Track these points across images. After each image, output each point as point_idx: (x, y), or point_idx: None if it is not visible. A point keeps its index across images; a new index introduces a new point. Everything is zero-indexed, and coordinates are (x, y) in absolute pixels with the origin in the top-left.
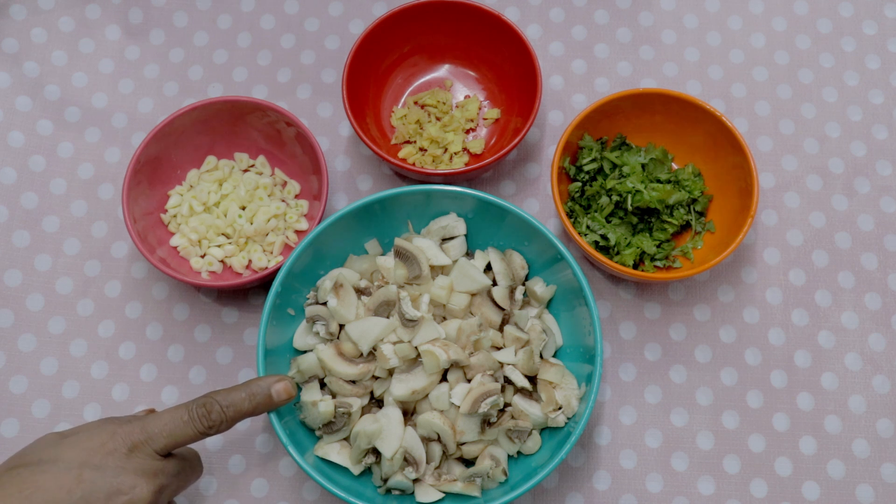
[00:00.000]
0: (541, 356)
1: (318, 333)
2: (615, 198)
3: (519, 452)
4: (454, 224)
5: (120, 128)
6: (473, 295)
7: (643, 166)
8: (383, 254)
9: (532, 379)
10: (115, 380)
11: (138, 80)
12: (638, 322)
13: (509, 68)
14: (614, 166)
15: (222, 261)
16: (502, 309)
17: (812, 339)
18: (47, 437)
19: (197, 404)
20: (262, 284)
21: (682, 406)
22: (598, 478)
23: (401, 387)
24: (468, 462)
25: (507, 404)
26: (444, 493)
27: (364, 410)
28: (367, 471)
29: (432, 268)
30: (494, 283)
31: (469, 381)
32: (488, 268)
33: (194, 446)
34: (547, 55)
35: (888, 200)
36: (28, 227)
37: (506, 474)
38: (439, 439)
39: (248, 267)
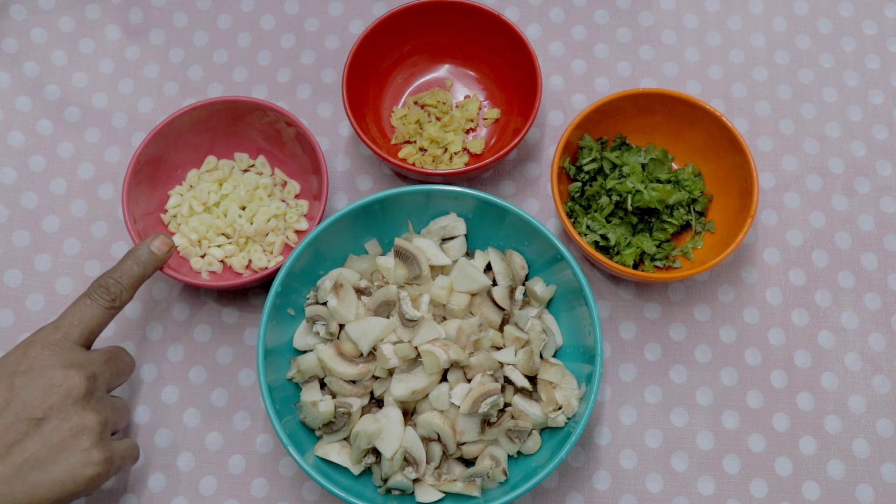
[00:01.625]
0: (541, 356)
1: (318, 333)
2: (615, 198)
3: (519, 452)
4: (454, 224)
5: (120, 128)
6: (473, 295)
7: (643, 166)
8: (383, 254)
9: (532, 379)
10: None
11: (138, 80)
12: (638, 322)
13: (509, 68)
14: (614, 166)
15: (222, 261)
16: (502, 309)
17: (812, 339)
18: None
19: (92, 287)
20: (262, 284)
21: (682, 406)
22: (598, 478)
23: (401, 387)
24: (468, 462)
25: (507, 404)
26: (444, 493)
27: (364, 410)
28: (367, 471)
29: (432, 268)
30: (494, 283)
31: (469, 381)
32: (488, 268)
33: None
34: (547, 55)
35: (888, 200)
36: (28, 227)
37: (506, 474)
38: (439, 439)
39: (248, 267)
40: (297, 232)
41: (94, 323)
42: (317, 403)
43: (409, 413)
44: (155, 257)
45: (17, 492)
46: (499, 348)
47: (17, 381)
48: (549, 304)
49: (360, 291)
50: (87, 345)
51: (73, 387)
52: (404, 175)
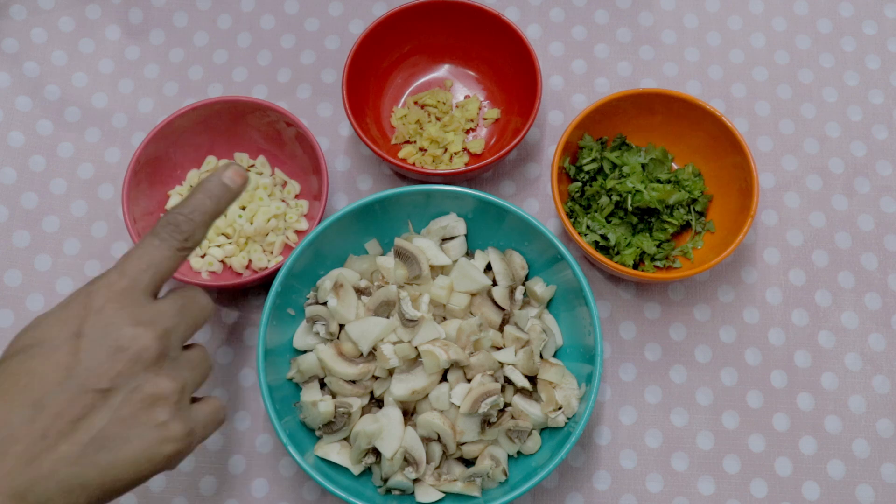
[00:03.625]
0: (541, 356)
1: (318, 333)
2: (615, 198)
3: (519, 452)
4: (454, 224)
5: (120, 128)
6: (473, 295)
7: (643, 166)
8: (383, 254)
9: (532, 379)
10: None
11: (138, 80)
12: (638, 322)
13: (509, 68)
14: (614, 166)
15: (222, 261)
16: (502, 309)
17: (812, 339)
18: (24, 328)
19: (160, 226)
20: (262, 284)
21: (682, 406)
22: (598, 478)
23: (401, 387)
24: (468, 462)
25: (507, 404)
26: (444, 493)
27: (364, 410)
28: (367, 471)
29: (432, 268)
30: (494, 283)
31: (469, 381)
32: (488, 268)
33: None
34: (547, 55)
35: (888, 200)
36: (28, 227)
37: (506, 474)
38: (439, 439)
39: (248, 267)
40: (297, 232)
41: (163, 268)
42: (317, 403)
43: (409, 413)
44: (228, 190)
45: (85, 474)
46: (499, 348)
47: (81, 343)
48: (549, 304)
49: (360, 291)
50: (155, 293)
51: (143, 349)
52: (404, 175)
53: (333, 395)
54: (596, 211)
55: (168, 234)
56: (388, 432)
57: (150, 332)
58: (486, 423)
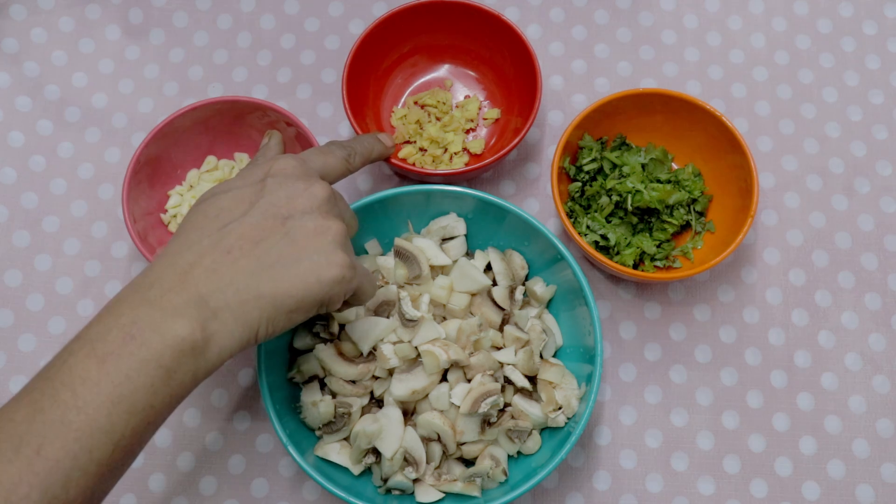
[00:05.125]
0: (541, 356)
1: (318, 333)
2: (615, 198)
3: (519, 452)
4: (454, 224)
5: (120, 128)
6: (473, 295)
7: (643, 166)
8: (383, 254)
9: (532, 379)
10: None
11: (138, 80)
12: (638, 322)
13: (509, 68)
14: (614, 166)
15: None
16: (502, 309)
17: (812, 339)
18: (212, 188)
19: (327, 144)
20: None
21: (682, 406)
22: (598, 478)
23: (401, 387)
24: (468, 462)
25: (507, 404)
26: (444, 493)
27: (364, 410)
28: (367, 471)
29: (432, 268)
30: (494, 283)
31: (469, 381)
32: (488, 268)
33: None
34: (547, 55)
35: (888, 200)
36: (28, 227)
37: (506, 474)
38: (439, 439)
39: None
40: None
41: (328, 168)
42: (317, 403)
43: (409, 413)
44: (382, 146)
45: (260, 284)
46: (499, 348)
47: (265, 185)
48: (549, 304)
49: None
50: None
51: (318, 191)
52: (404, 175)
53: (333, 395)
54: (596, 211)
55: (336, 146)
56: (388, 432)
57: (323, 183)
58: (486, 423)
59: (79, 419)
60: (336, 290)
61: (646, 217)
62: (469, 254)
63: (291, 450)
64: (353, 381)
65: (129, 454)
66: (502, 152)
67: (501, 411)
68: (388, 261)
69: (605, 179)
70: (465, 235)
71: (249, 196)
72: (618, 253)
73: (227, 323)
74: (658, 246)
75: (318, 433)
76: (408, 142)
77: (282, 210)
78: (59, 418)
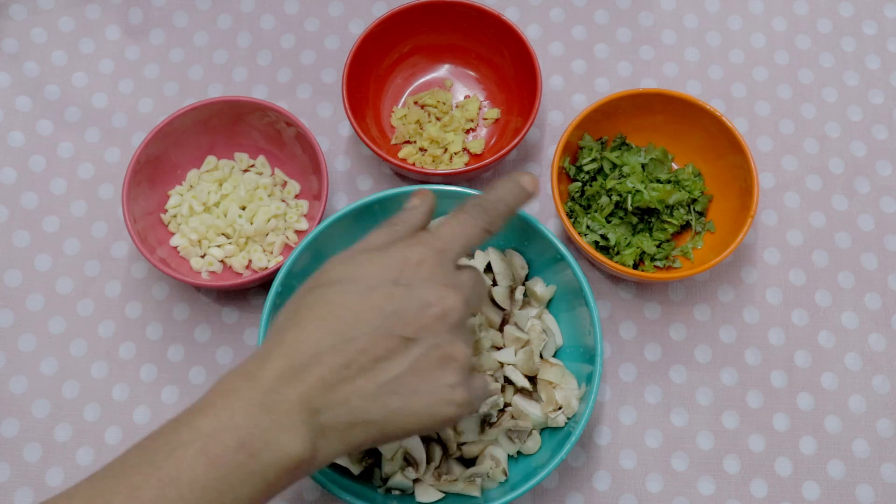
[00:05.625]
0: (541, 356)
1: None
2: (615, 198)
3: (519, 452)
4: None
5: (120, 128)
6: None
7: (643, 166)
8: None
9: (532, 379)
10: (115, 380)
11: (138, 80)
12: (638, 322)
13: (509, 68)
14: (614, 166)
15: (222, 261)
16: (502, 309)
17: (812, 339)
18: (338, 258)
19: (470, 206)
20: (262, 284)
21: (682, 406)
22: (598, 478)
23: None
24: (468, 462)
25: (507, 404)
26: (444, 493)
27: None
28: (367, 471)
29: None
30: (494, 283)
31: None
32: (488, 268)
33: None
34: (547, 55)
35: (888, 200)
36: (28, 227)
37: (506, 474)
38: (439, 439)
39: (248, 267)
40: (297, 232)
41: (471, 241)
42: None
43: None
44: (525, 191)
45: (373, 412)
46: (499, 348)
47: (397, 291)
48: (549, 304)
49: None
50: (457, 263)
51: (449, 310)
52: (404, 175)
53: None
54: (596, 211)
55: (477, 214)
56: None
57: (458, 296)
58: (486, 423)
59: None
60: (444, 426)
61: (646, 217)
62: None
63: None
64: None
65: None
66: (502, 152)
67: (501, 411)
68: None
69: (605, 179)
70: None
71: (379, 301)
72: (618, 253)
73: (332, 442)
74: (658, 246)
75: None
76: (408, 142)
77: (409, 329)
78: None
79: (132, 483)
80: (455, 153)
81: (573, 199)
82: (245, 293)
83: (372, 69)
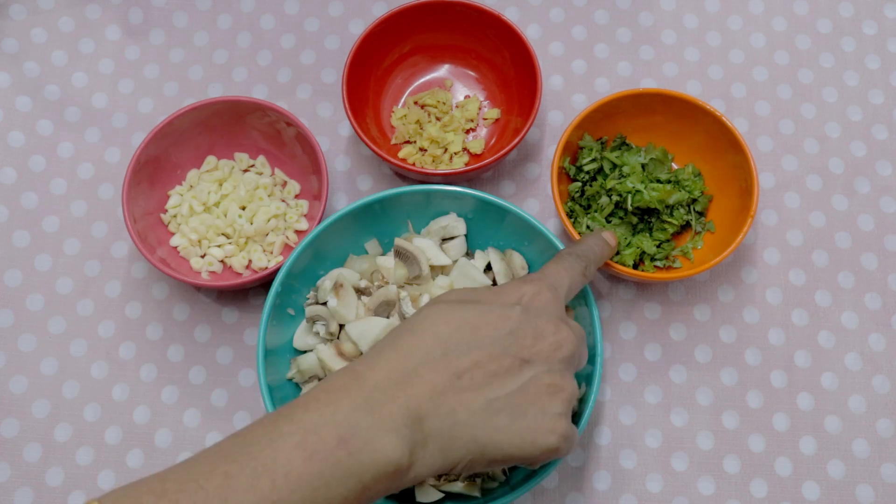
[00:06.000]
0: None
1: (318, 333)
2: (615, 198)
3: None
4: (454, 224)
5: (120, 128)
6: None
7: (643, 166)
8: (383, 254)
9: None
10: (115, 380)
11: (138, 80)
12: (638, 322)
13: (509, 68)
14: (614, 166)
15: (222, 261)
16: None
17: (812, 339)
18: (459, 286)
19: (568, 253)
20: (262, 284)
21: (682, 406)
22: (598, 478)
23: None
24: None
25: None
26: (444, 493)
27: None
28: None
29: (432, 268)
30: (494, 283)
31: None
32: (488, 268)
33: None
34: (547, 55)
35: (888, 200)
36: (28, 227)
37: (506, 474)
38: None
39: (248, 267)
40: (297, 232)
41: (575, 283)
42: None
43: None
44: (609, 248)
45: (476, 428)
46: None
47: (515, 312)
48: None
49: (360, 291)
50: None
51: (564, 341)
52: (404, 175)
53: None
54: (596, 211)
55: (575, 260)
56: None
57: (572, 333)
58: None
59: None
60: (543, 459)
61: (646, 217)
62: (469, 254)
63: None
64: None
65: None
66: (502, 152)
67: None
68: (388, 261)
69: (605, 179)
70: (465, 235)
71: (497, 320)
72: (618, 253)
73: (432, 454)
74: (658, 246)
75: None
76: (408, 142)
77: (525, 351)
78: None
79: (227, 470)
80: (455, 153)
81: (573, 199)
82: (245, 293)
83: (372, 69)
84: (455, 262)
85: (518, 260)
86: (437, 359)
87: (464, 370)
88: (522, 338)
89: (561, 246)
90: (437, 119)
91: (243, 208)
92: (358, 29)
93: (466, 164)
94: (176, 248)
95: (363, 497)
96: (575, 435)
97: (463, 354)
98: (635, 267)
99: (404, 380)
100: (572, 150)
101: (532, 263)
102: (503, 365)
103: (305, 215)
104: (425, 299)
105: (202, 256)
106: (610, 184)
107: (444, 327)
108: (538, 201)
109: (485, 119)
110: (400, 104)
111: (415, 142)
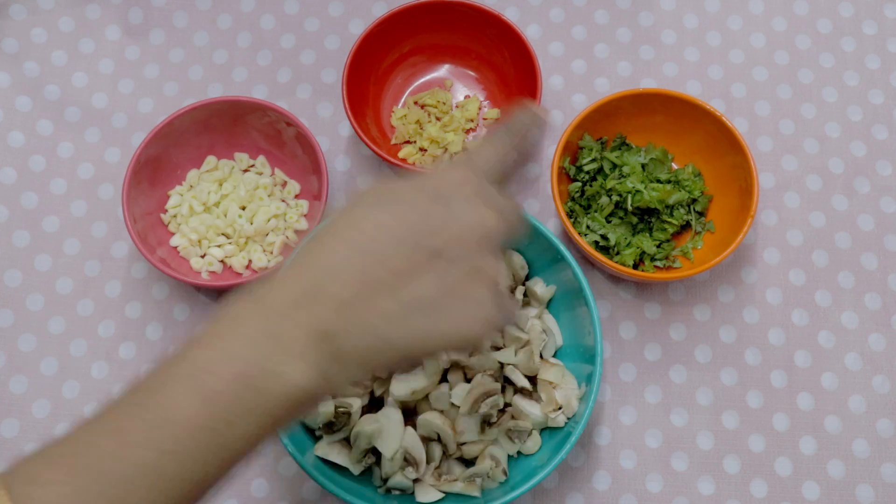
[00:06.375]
0: (541, 356)
1: None
2: (615, 198)
3: (519, 452)
4: None
5: (120, 128)
6: None
7: (643, 166)
8: None
9: (532, 379)
10: (115, 380)
11: (138, 80)
12: (638, 322)
13: (509, 68)
14: (614, 166)
15: (222, 261)
16: None
17: (812, 339)
18: (377, 182)
19: (495, 131)
20: None
21: (682, 406)
22: (598, 478)
23: (401, 387)
24: (468, 462)
25: (507, 404)
26: (444, 493)
27: (364, 410)
28: (367, 471)
29: None
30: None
31: (469, 381)
32: None
33: None
34: (547, 55)
35: (888, 200)
36: (28, 227)
37: (506, 474)
38: (439, 439)
39: (248, 267)
40: (297, 232)
41: (504, 161)
42: None
43: (409, 413)
44: (540, 119)
45: (394, 333)
46: (499, 348)
47: (434, 209)
48: (549, 304)
49: None
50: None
51: (480, 221)
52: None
53: (333, 396)
54: (596, 211)
55: (505, 136)
56: (388, 432)
57: (500, 220)
58: (486, 423)
59: (164, 463)
60: (473, 347)
61: (646, 217)
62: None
63: (291, 450)
64: (353, 381)
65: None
66: None
67: (501, 411)
68: None
69: (605, 179)
70: None
71: (412, 217)
72: (618, 253)
73: (348, 367)
74: (658, 246)
75: (318, 433)
76: (408, 142)
77: (437, 241)
78: (144, 461)
79: (119, 426)
80: (455, 153)
81: (573, 199)
82: None
83: (372, 69)
84: None
85: (518, 260)
86: (345, 269)
87: (370, 274)
88: (437, 229)
89: (561, 246)
90: (437, 119)
91: (243, 208)
92: (358, 29)
93: None
94: (176, 248)
95: (275, 427)
96: (509, 307)
97: (366, 256)
98: (635, 267)
99: (307, 299)
100: (572, 150)
101: (532, 263)
102: (414, 261)
103: (305, 215)
104: None
105: (202, 256)
106: (610, 184)
107: (357, 234)
108: (538, 201)
109: (485, 119)
110: (400, 104)
111: (415, 142)
